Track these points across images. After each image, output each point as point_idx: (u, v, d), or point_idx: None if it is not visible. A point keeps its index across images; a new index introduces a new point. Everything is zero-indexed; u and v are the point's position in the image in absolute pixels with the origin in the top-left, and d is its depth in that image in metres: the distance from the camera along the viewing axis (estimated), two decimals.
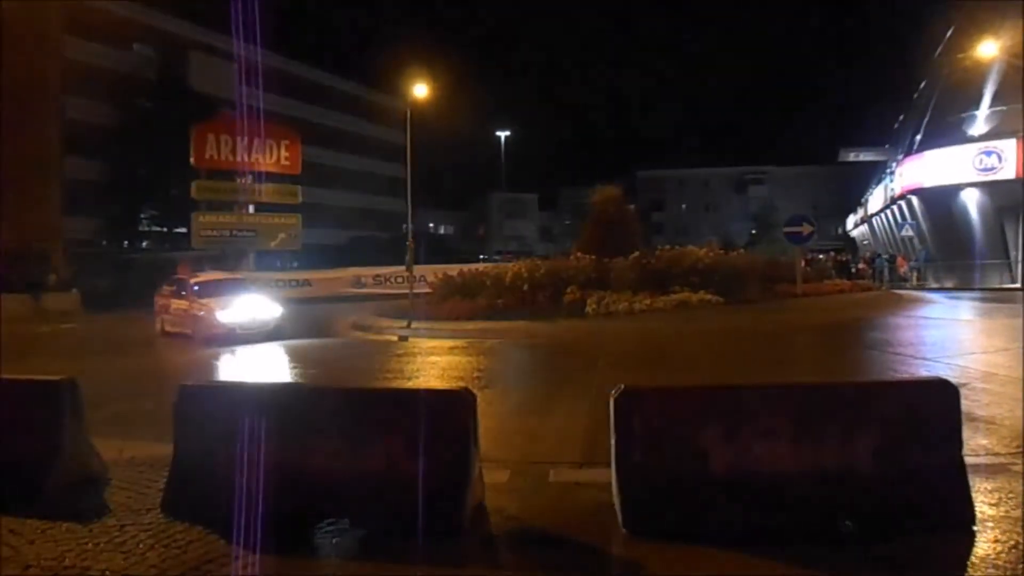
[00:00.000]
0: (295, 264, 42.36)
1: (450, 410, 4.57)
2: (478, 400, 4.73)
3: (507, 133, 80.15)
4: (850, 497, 4.36)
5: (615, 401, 4.52)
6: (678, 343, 14.26)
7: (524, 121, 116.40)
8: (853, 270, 35.47)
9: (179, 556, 4.20)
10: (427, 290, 22.82)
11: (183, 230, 35.70)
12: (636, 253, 19.79)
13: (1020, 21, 30.93)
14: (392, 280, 31.13)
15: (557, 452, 6.41)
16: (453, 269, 23.96)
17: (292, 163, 32.90)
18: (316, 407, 4.85)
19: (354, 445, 4.61)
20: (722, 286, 18.89)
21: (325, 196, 55.09)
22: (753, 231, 73.58)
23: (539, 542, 4.45)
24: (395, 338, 16.02)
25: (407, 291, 22.29)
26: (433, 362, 12.66)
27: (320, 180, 51.14)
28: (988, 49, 31.09)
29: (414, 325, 17.02)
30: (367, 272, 32.83)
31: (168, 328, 17.72)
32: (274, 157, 32.23)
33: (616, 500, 4.49)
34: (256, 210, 33.43)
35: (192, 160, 29.87)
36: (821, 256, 38.82)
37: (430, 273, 25.43)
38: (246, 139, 31.31)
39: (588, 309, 17.29)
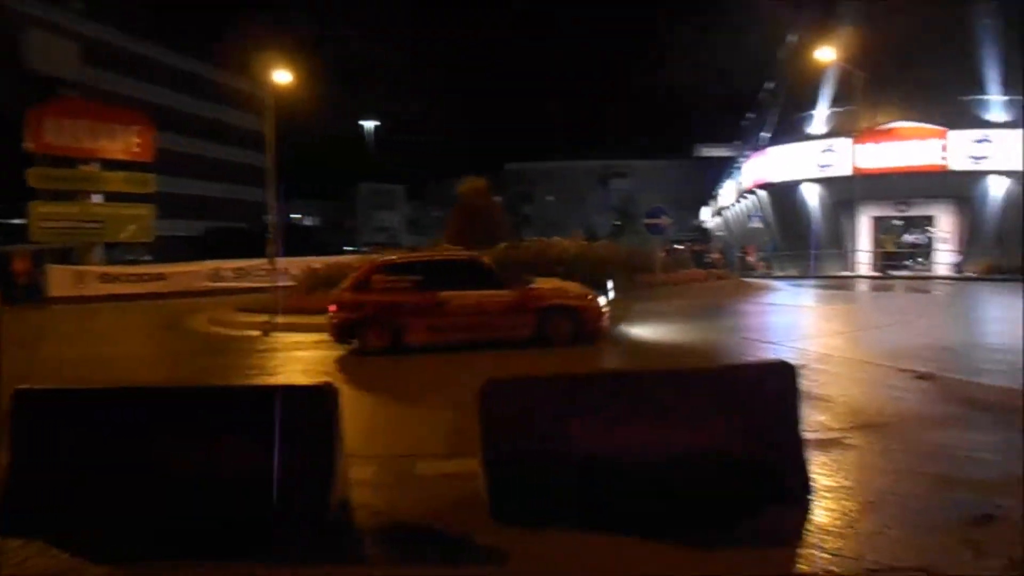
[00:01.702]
0: (148, 257, 40.15)
1: (312, 405, 4.48)
2: (343, 394, 4.65)
3: (374, 123, 79.16)
4: (703, 476, 4.59)
5: (481, 391, 4.58)
6: None
7: (392, 111, 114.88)
8: (708, 260, 37.30)
9: (15, 572, 3.91)
10: (291, 283, 22.16)
11: (21, 221, 33.04)
12: (503, 244, 19.98)
13: (853, 29, 33.47)
14: (254, 273, 30.00)
15: (424, 444, 6.41)
16: (318, 262, 23.40)
17: (143, 150, 31.10)
18: (168, 408, 4.62)
19: (212, 445, 4.43)
20: (587, 276, 19.35)
21: (181, 185, 52.50)
22: (617, 222, 75.92)
23: (405, 536, 4.45)
24: (257, 333, 15.46)
25: (269, 284, 21.53)
26: (298, 357, 12.33)
27: (176, 168, 48.65)
28: (826, 54, 33.43)
29: (277, 319, 16.49)
30: (227, 265, 31.53)
31: (413, 338, 11.70)
32: (123, 143, 30.37)
33: (483, 490, 4.54)
34: (105, 199, 31.43)
35: (28, 145, 27.66)
36: (679, 246, 40.58)
37: (294, 266, 24.68)
38: (91, 123, 29.40)
39: None
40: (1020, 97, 33.06)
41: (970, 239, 33.74)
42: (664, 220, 22.65)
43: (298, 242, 42.23)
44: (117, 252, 37.71)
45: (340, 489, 4.60)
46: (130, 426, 4.45)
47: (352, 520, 4.56)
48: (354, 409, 7.19)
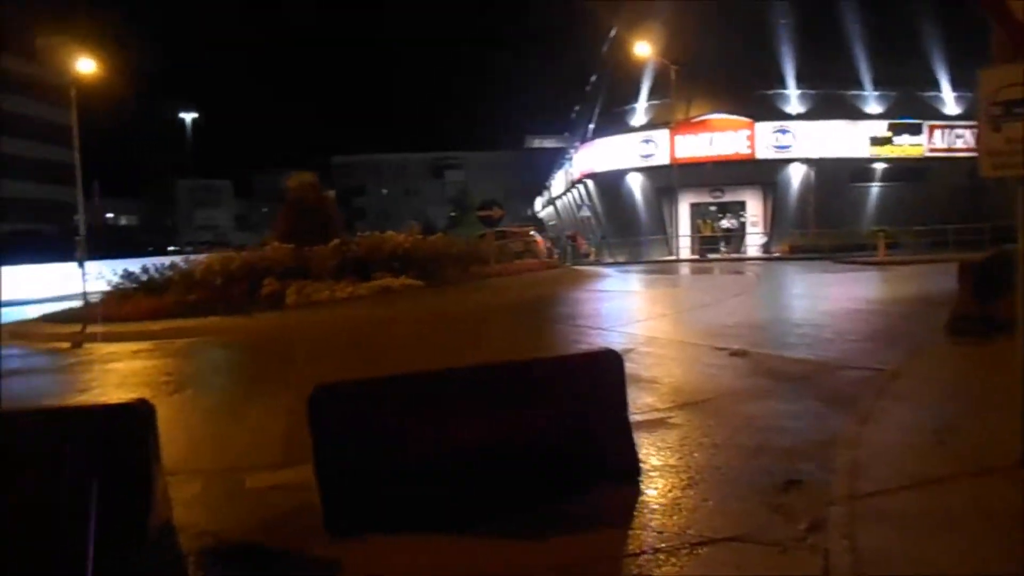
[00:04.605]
0: None
1: (123, 426, 4.16)
2: (165, 408, 4.37)
3: (194, 115, 74.91)
4: (536, 465, 4.69)
5: (312, 398, 4.43)
6: (381, 330, 14.35)
7: (214, 104, 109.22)
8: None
9: None
10: (105, 289, 20.57)
11: None
12: (336, 240, 19.51)
13: (669, 26, 35.33)
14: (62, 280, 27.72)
15: (255, 456, 6.12)
16: (136, 264, 21.85)
17: None
18: None
19: (8, 478, 4.01)
20: (423, 270, 19.31)
21: None
22: (452, 214, 76.25)
23: (234, 555, 4.23)
24: (66, 345, 14.22)
25: (80, 291, 19.91)
26: (113, 369, 11.45)
27: None
28: (643, 49, 35.09)
29: (89, 329, 15.25)
30: (27, 272, 28.86)
31: None
32: None
33: (318, 499, 4.41)
34: None
35: None
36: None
37: (109, 270, 22.95)
38: None
39: (288, 300, 16.74)
40: (814, 91, 36.26)
41: (774, 222, 36.64)
42: (496, 212, 23.00)
43: (113, 243, 39.29)
44: None
45: (162, 512, 4.31)
46: None
47: (175, 544, 4.28)
48: (176, 423, 6.77)
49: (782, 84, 36.63)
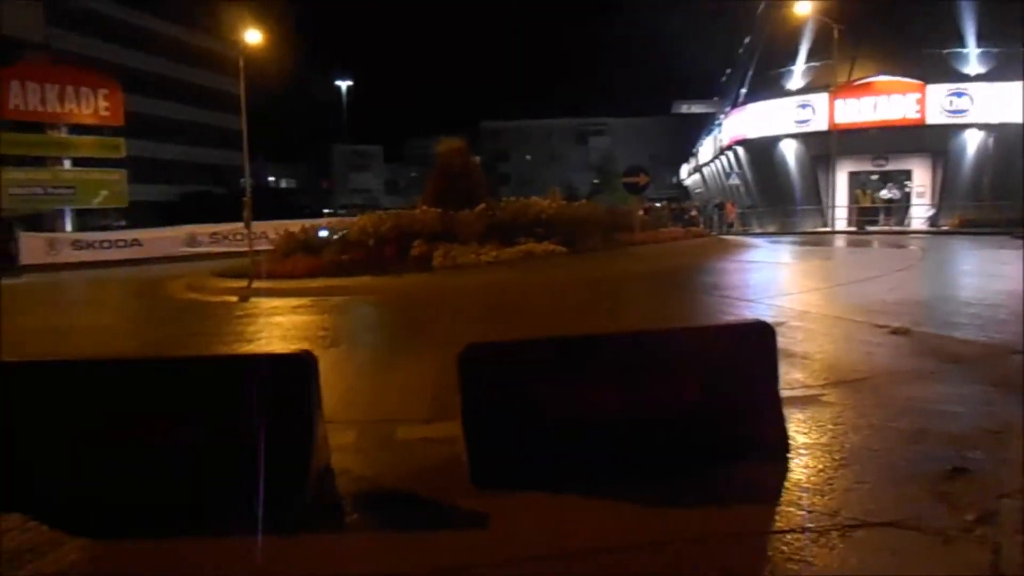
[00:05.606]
0: (122, 223, 39.68)
1: (290, 374, 4.45)
2: (322, 360, 4.63)
3: (349, 83, 77.98)
4: (680, 434, 4.64)
5: (460, 357, 4.56)
6: (524, 294, 14.54)
7: (367, 71, 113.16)
8: (686, 218, 37.39)
9: None
10: (268, 247, 22.00)
11: None
12: (482, 205, 19.85)
13: None
14: (230, 238, 29.86)
15: (405, 409, 6.40)
16: (295, 225, 23.19)
17: (113, 113, 30.52)
18: (140, 381, 4.57)
19: (192, 417, 4.40)
20: (566, 236, 19.32)
21: (154, 149, 51.64)
22: (595, 181, 75.71)
23: (386, 501, 4.46)
24: (234, 299, 15.35)
25: (246, 249, 21.36)
26: (276, 322, 12.26)
27: (148, 132, 47.87)
28: (803, 8, 33.21)
29: (255, 284, 16.38)
30: (203, 230, 31.30)
31: None
32: (91, 107, 29.77)
33: (464, 454, 4.56)
34: (74, 165, 30.91)
35: None
36: (658, 204, 40.60)
37: (271, 229, 24.50)
38: (58, 86, 28.73)
39: (435, 262, 17.25)
40: (997, 50, 33.06)
41: (944, 193, 33.99)
42: (641, 178, 22.61)
43: (274, 205, 41.88)
44: (90, 218, 37.23)
45: (322, 456, 4.61)
46: (104, 398, 4.40)
47: (334, 487, 4.57)
48: (333, 375, 7.17)
49: (960, 42, 33.62)
